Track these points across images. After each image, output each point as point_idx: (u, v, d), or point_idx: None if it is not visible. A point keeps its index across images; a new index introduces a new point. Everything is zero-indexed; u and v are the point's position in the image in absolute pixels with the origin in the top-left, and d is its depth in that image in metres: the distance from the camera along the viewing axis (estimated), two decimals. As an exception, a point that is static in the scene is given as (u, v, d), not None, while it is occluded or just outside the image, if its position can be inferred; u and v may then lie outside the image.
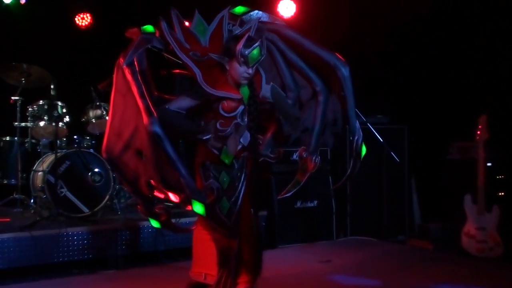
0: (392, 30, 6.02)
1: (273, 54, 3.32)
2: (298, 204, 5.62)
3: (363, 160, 5.83)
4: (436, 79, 5.98)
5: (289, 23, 5.52)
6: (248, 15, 3.27)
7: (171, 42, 3.09)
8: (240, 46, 3.06)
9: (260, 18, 3.27)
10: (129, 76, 2.94)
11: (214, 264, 3.30)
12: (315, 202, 5.69)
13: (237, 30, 3.21)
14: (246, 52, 3.05)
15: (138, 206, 3.10)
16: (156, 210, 3.07)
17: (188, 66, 3.09)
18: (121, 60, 2.99)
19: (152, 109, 2.88)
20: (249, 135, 3.24)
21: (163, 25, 3.10)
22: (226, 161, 3.21)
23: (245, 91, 3.20)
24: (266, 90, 3.29)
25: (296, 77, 3.37)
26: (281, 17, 6.28)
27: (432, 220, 5.92)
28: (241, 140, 3.24)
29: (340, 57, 3.26)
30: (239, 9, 3.27)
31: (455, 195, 5.25)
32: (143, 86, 2.94)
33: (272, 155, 3.38)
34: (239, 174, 3.26)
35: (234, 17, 3.26)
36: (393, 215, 5.98)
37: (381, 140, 5.60)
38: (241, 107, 3.18)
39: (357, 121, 3.33)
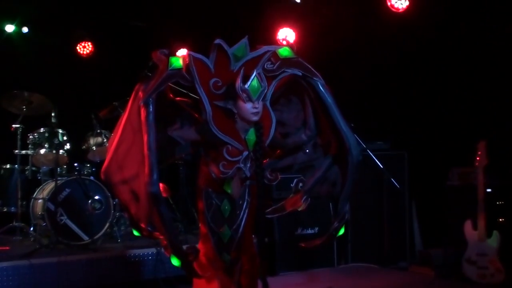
0: (392, 56, 6.08)
1: (303, 95, 3.27)
2: (299, 231, 5.60)
3: (364, 187, 5.91)
4: (436, 105, 6.01)
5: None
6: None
7: (193, 74, 3.02)
8: (238, 82, 3.03)
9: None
10: (143, 117, 2.93)
11: None
12: (316, 228, 5.67)
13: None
14: (246, 86, 3.01)
15: (163, 242, 3.04)
16: (144, 232, 3.07)
17: (202, 102, 3.05)
18: (140, 93, 2.96)
19: (156, 167, 2.88)
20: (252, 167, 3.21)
21: (190, 56, 3.03)
22: (229, 191, 3.18)
23: (251, 137, 3.15)
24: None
25: (321, 126, 3.32)
26: (281, 44, 6.36)
27: (433, 246, 5.89)
28: (245, 171, 3.20)
29: (358, 142, 3.33)
30: (284, 52, 3.18)
31: (456, 221, 5.23)
32: (153, 134, 2.91)
33: (269, 177, 3.28)
34: (241, 202, 3.23)
35: (276, 57, 3.17)
36: (394, 242, 5.95)
37: (381, 166, 5.60)
38: (245, 153, 3.12)
39: (347, 205, 3.34)
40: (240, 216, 3.22)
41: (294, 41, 6.43)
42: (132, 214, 3.07)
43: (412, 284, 5.14)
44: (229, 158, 3.08)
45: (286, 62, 3.16)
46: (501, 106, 5.43)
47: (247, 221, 3.25)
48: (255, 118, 3.09)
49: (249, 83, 3.01)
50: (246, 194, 3.24)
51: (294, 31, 6.45)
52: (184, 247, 3.05)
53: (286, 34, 6.45)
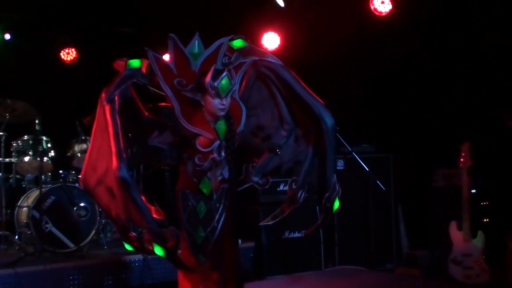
0: (376, 60, 6.12)
1: (270, 87, 3.37)
2: (286, 235, 5.61)
3: (349, 190, 5.93)
4: (420, 108, 6.06)
5: (274, 55, 5.60)
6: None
7: (156, 72, 3.13)
8: (208, 79, 3.08)
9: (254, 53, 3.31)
10: (108, 114, 3.02)
11: None
12: (303, 232, 5.68)
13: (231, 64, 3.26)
14: (215, 83, 3.08)
15: (145, 235, 3.07)
16: (130, 238, 3.07)
17: (169, 98, 3.14)
18: (103, 94, 3.06)
19: (124, 153, 2.95)
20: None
21: (150, 55, 3.13)
22: (205, 191, 3.24)
23: (221, 126, 3.20)
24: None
25: (295, 112, 3.40)
26: (265, 50, 6.37)
27: (419, 248, 5.93)
28: (223, 172, 3.26)
29: (327, 108, 3.28)
30: (238, 43, 3.29)
31: (441, 222, 5.28)
32: (119, 127, 3.00)
33: (260, 182, 3.40)
34: (217, 205, 3.27)
35: (231, 50, 3.28)
36: (380, 244, 5.98)
37: (367, 169, 5.64)
38: (217, 142, 3.17)
39: (334, 176, 3.30)
40: (216, 219, 3.25)
41: (279, 45, 6.45)
42: (115, 219, 3.07)
43: (399, 286, 5.17)
44: (202, 149, 3.14)
45: (241, 52, 3.28)
46: (484, 108, 5.48)
47: (224, 224, 3.27)
48: (221, 114, 3.17)
49: (218, 81, 3.08)
50: (223, 197, 3.28)
51: (278, 35, 6.46)
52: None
53: (271, 39, 6.46)
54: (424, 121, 6.05)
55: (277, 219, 3.47)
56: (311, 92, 3.30)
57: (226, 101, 3.15)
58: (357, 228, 6.01)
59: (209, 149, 3.14)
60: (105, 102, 3.04)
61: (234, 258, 3.37)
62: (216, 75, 3.09)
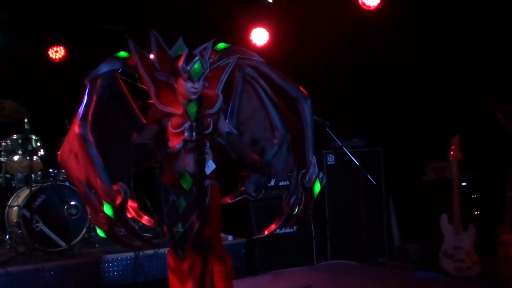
0: (365, 54, 6.13)
1: (258, 92, 3.46)
2: (277, 230, 5.58)
3: (340, 184, 5.94)
4: (410, 102, 6.07)
5: (262, 51, 5.64)
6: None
7: (136, 59, 3.28)
8: (181, 62, 3.18)
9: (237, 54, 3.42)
10: (86, 90, 3.23)
11: None
12: (294, 227, 5.69)
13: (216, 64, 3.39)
14: (188, 67, 3.17)
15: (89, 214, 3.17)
16: (100, 219, 3.12)
17: (146, 82, 3.27)
18: (86, 82, 3.27)
19: (88, 115, 3.13)
20: (212, 163, 3.32)
21: (130, 43, 3.31)
22: (185, 186, 3.28)
23: (192, 108, 3.27)
24: (224, 125, 3.41)
25: (282, 112, 3.45)
26: (254, 45, 6.36)
27: (411, 241, 5.96)
28: (206, 168, 3.29)
29: (303, 90, 3.34)
30: (221, 45, 3.44)
31: (432, 216, 5.30)
32: (93, 100, 3.19)
33: (254, 194, 3.43)
34: (198, 200, 3.28)
35: (215, 52, 3.42)
36: (372, 238, 6.00)
37: (357, 163, 5.66)
38: (188, 123, 3.25)
39: (314, 157, 3.30)
40: (195, 215, 3.26)
41: (268, 41, 6.43)
42: (78, 186, 3.16)
43: (391, 279, 5.19)
44: (174, 131, 3.25)
45: (224, 52, 3.42)
46: (474, 100, 5.50)
47: (204, 221, 3.26)
48: (193, 97, 3.25)
49: (191, 65, 3.17)
50: (205, 194, 3.29)
51: (267, 31, 6.45)
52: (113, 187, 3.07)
53: (259, 35, 6.44)
54: (414, 114, 6.07)
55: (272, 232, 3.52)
56: (289, 80, 3.38)
57: (198, 85, 3.23)
58: (349, 222, 6.03)
59: (180, 129, 3.23)
60: (86, 81, 3.24)
61: (223, 256, 3.41)
62: (189, 59, 3.18)
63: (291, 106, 3.36)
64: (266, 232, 3.54)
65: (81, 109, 3.18)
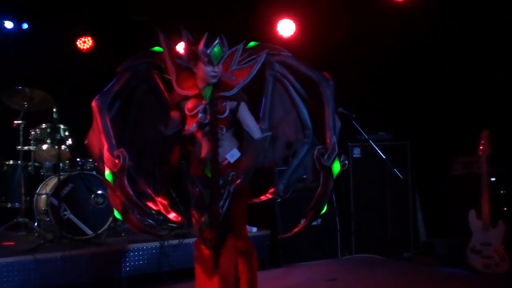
0: (393, 46, 6.06)
1: (289, 90, 3.42)
2: (302, 222, 5.57)
3: (366, 178, 5.89)
4: (439, 95, 5.99)
5: (289, 42, 5.60)
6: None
7: (164, 48, 3.39)
8: (201, 46, 3.19)
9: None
10: (117, 77, 3.37)
11: (215, 284, 3.30)
12: (319, 220, 5.66)
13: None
14: (208, 51, 3.17)
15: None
16: (116, 199, 3.21)
17: (169, 70, 3.36)
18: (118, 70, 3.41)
19: (109, 93, 3.29)
20: (236, 152, 3.31)
21: (161, 36, 3.39)
22: (209, 175, 3.27)
23: (207, 92, 3.28)
24: (251, 124, 3.34)
25: (309, 105, 3.42)
26: (281, 37, 6.32)
27: (437, 236, 5.89)
28: (227, 156, 3.29)
29: (326, 74, 3.31)
30: (251, 44, 3.45)
31: (460, 211, 5.23)
32: (120, 84, 3.34)
33: (281, 194, 3.35)
34: (222, 191, 3.26)
35: (245, 51, 3.42)
36: (397, 232, 5.95)
37: (384, 157, 5.60)
38: (202, 106, 3.26)
39: (334, 137, 3.22)
40: (221, 205, 3.24)
41: (295, 32, 6.38)
42: (101, 167, 3.25)
43: (417, 274, 5.14)
44: (189, 113, 3.29)
45: (254, 50, 3.42)
46: (504, 94, 5.41)
47: (227, 210, 3.25)
48: (213, 81, 3.27)
49: (211, 48, 3.18)
50: (228, 185, 3.27)
51: (294, 22, 6.40)
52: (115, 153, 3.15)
53: (286, 26, 6.40)
54: (442, 108, 5.98)
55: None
56: (313, 68, 3.35)
57: (218, 68, 3.24)
58: (374, 216, 5.99)
59: (195, 112, 3.26)
60: (118, 69, 3.38)
61: (249, 249, 3.41)
62: (209, 42, 3.19)
63: (314, 92, 3.32)
64: (295, 230, 3.47)
65: (106, 87, 3.33)
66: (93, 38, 7.29)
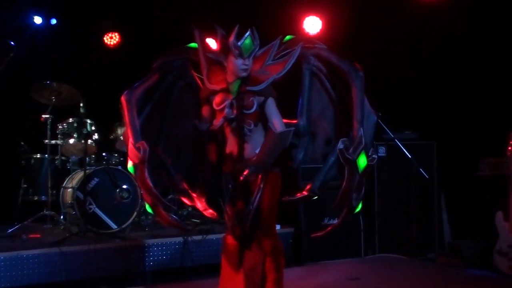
0: (421, 45, 5.99)
1: (325, 84, 3.37)
2: (326, 221, 5.57)
3: (391, 177, 5.83)
4: (467, 94, 5.90)
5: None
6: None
7: (198, 44, 3.37)
8: (232, 38, 3.15)
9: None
10: (151, 72, 3.39)
11: (240, 280, 3.30)
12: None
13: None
14: (239, 43, 3.14)
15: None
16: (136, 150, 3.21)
17: (201, 65, 3.34)
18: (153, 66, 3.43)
19: (139, 88, 3.31)
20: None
21: (195, 30, 3.37)
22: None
23: (235, 85, 3.24)
24: (277, 121, 3.25)
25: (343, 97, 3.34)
26: (307, 34, 6.29)
27: (463, 238, 5.81)
28: (258, 151, 3.23)
29: (356, 64, 3.23)
30: (287, 38, 3.40)
31: (486, 212, 5.15)
32: (150, 80, 3.36)
33: (317, 192, 3.25)
34: (253, 186, 3.24)
35: (281, 45, 3.36)
36: (422, 233, 5.89)
37: (410, 156, 5.55)
38: (229, 100, 3.23)
39: (362, 130, 3.10)
40: (252, 201, 3.21)
41: (321, 29, 6.34)
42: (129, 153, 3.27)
43: (441, 276, 5.09)
44: (217, 108, 3.27)
45: (290, 43, 3.36)
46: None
47: (258, 206, 3.22)
48: (244, 74, 3.22)
49: (242, 41, 3.15)
50: (259, 180, 3.23)
51: (320, 19, 6.37)
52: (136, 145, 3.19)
53: (312, 23, 6.37)
54: (470, 107, 5.89)
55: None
56: (344, 59, 3.28)
57: (249, 62, 3.20)
58: (398, 216, 5.94)
59: (222, 106, 3.23)
60: (153, 65, 3.40)
61: (277, 247, 3.35)
62: (239, 35, 3.16)
63: (345, 84, 3.23)
64: (328, 229, 3.44)
65: (136, 83, 3.34)
66: (120, 34, 7.34)
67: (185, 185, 3.41)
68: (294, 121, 3.32)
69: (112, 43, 7.34)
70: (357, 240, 5.75)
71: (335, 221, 5.46)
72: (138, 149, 3.15)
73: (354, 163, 3.10)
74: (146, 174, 3.18)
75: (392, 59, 6.08)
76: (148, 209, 3.36)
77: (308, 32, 6.33)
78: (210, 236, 5.01)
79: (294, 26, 6.33)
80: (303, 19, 6.37)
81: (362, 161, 3.12)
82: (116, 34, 7.34)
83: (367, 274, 4.99)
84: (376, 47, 6.00)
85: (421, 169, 5.51)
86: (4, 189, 5.95)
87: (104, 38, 7.33)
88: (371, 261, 5.61)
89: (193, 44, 3.43)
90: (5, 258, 4.35)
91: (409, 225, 5.89)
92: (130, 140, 3.20)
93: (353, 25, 6.05)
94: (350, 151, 3.08)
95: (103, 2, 6.93)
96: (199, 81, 3.48)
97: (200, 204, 3.36)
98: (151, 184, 3.21)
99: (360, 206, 3.27)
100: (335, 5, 6.28)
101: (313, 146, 3.37)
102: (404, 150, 5.55)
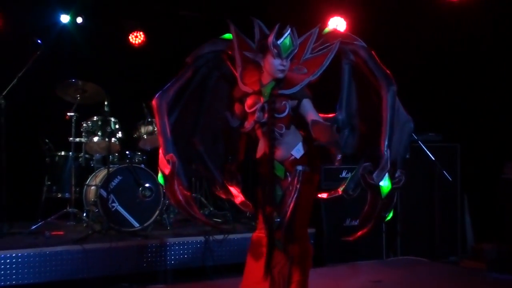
0: (445, 47, 5.93)
1: (363, 78, 3.21)
2: (347, 222, 5.54)
3: (414, 179, 5.78)
4: (491, 97, 5.83)
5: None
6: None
7: (234, 41, 3.29)
8: (271, 37, 3.07)
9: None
10: (185, 67, 3.32)
11: (266, 281, 3.24)
12: (364, 220, 5.59)
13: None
14: (278, 42, 3.05)
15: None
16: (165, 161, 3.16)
17: (236, 63, 3.27)
18: (187, 60, 3.34)
19: (171, 89, 3.24)
20: (301, 147, 3.19)
21: (232, 27, 3.31)
22: (278, 173, 3.18)
23: (268, 88, 3.16)
24: (300, 106, 3.17)
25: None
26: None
27: (486, 241, 5.74)
28: (293, 152, 3.18)
29: (390, 75, 3.10)
30: (326, 30, 3.30)
31: (510, 216, 5.09)
32: (184, 77, 3.29)
33: (351, 193, 3.10)
34: (291, 188, 3.16)
35: (319, 37, 3.25)
36: (445, 235, 5.83)
37: (433, 158, 5.50)
38: (260, 104, 3.15)
39: (388, 151, 2.92)
40: (289, 203, 3.15)
41: (345, 30, 6.32)
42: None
43: (464, 279, 5.03)
44: (248, 110, 3.19)
45: (328, 36, 3.25)
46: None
47: (294, 208, 3.14)
48: (280, 75, 3.13)
49: (282, 39, 3.06)
50: (296, 181, 3.16)
51: (345, 20, 6.34)
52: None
53: (337, 23, 6.34)
54: (494, 109, 5.82)
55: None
56: (381, 65, 3.15)
57: (287, 62, 3.11)
58: (421, 218, 5.89)
59: (253, 109, 3.16)
60: (187, 59, 3.32)
61: (306, 249, 3.28)
62: (279, 34, 3.08)
63: (375, 92, 3.10)
64: (358, 234, 3.31)
65: (168, 83, 3.27)
66: (145, 33, 7.39)
67: (221, 177, 3.39)
68: (331, 115, 3.20)
69: (137, 42, 7.40)
70: (379, 242, 5.71)
71: (357, 222, 5.51)
72: (168, 161, 3.12)
73: (377, 188, 2.97)
74: (176, 186, 3.14)
75: (417, 61, 6.03)
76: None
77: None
78: (231, 236, 5.02)
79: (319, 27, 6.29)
80: (328, 19, 6.35)
81: (386, 185, 2.98)
82: (141, 33, 7.39)
83: (389, 276, 4.96)
84: (400, 48, 5.95)
85: (444, 172, 5.45)
86: (28, 186, 6.03)
87: (129, 37, 7.38)
88: (393, 263, 5.57)
89: (227, 35, 3.35)
90: (28, 254, 4.40)
91: (432, 227, 5.84)
92: (161, 150, 3.16)
93: (377, 26, 6.00)
94: (374, 175, 2.94)
95: (128, 1, 6.99)
96: (235, 72, 3.35)
97: (236, 197, 3.30)
98: (180, 197, 3.17)
99: (391, 215, 3.15)
100: (360, 6, 6.25)
101: (353, 138, 3.24)
102: (428, 152, 5.49)
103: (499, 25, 5.59)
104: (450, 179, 5.50)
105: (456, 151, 5.95)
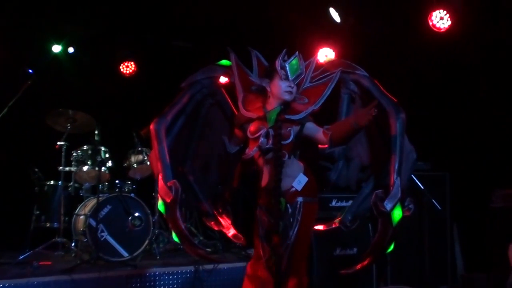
0: (433, 76, 6.00)
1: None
2: (338, 251, 5.53)
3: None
4: (479, 126, 5.89)
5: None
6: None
7: (233, 69, 3.31)
8: (279, 59, 3.11)
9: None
10: (181, 92, 3.31)
11: None
12: (355, 249, 5.59)
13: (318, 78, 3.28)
14: (286, 63, 3.08)
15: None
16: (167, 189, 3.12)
17: (237, 90, 3.27)
18: (182, 86, 3.36)
19: (168, 114, 3.22)
20: (303, 178, 3.17)
21: (232, 55, 3.34)
22: (282, 205, 3.13)
23: (272, 115, 3.16)
24: (302, 131, 3.20)
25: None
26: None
27: (476, 270, 5.74)
28: (294, 184, 3.16)
29: (397, 103, 3.14)
30: (325, 59, 3.35)
31: (500, 245, 5.09)
32: (181, 103, 3.28)
33: (348, 224, 3.18)
34: (291, 220, 3.13)
35: (319, 66, 3.31)
36: (434, 265, 5.82)
37: (422, 187, 5.52)
38: (264, 129, 3.14)
39: (399, 179, 2.94)
40: (290, 235, 3.12)
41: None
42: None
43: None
44: (251, 136, 3.17)
45: (329, 65, 3.29)
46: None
47: (296, 240, 3.13)
48: (287, 98, 3.14)
49: (289, 61, 3.09)
50: (297, 213, 3.14)
51: (334, 51, 6.42)
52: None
53: (326, 54, 6.41)
54: (483, 139, 5.88)
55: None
56: (387, 94, 3.18)
57: (294, 85, 3.12)
58: (411, 247, 5.87)
59: (257, 135, 3.14)
60: (182, 85, 3.33)
61: (302, 278, 3.25)
62: (286, 56, 3.11)
63: (383, 121, 3.12)
64: (358, 267, 3.38)
65: (166, 108, 3.25)
66: (136, 63, 7.44)
67: (212, 208, 3.35)
68: (326, 146, 3.20)
69: (128, 71, 7.44)
70: (368, 271, 5.68)
71: (348, 251, 5.51)
72: (170, 188, 3.07)
73: (388, 216, 2.97)
74: (178, 214, 3.09)
75: (405, 90, 6.08)
76: (175, 238, 3.27)
77: (321, 64, 6.36)
78: (221, 265, 4.99)
79: (307, 57, 6.36)
80: (317, 50, 6.42)
81: (397, 213, 2.98)
82: (132, 63, 7.45)
83: (378, 306, 4.93)
84: (389, 78, 6.00)
85: (433, 201, 5.47)
86: (17, 216, 5.98)
87: (120, 67, 7.44)
88: (383, 293, 5.55)
89: (222, 62, 3.39)
90: (16, 285, 4.35)
91: (422, 257, 5.82)
92: (161, 177, 3.10)
93: (366, 57, 6.08)
94: (385, 202, 2.95)
95: (120, 31, 7.05)
96: (228, 99, 3.40)
97: (227, 229, 3.29)
98: (182, 226, 3.14)
99: (392, 247, 3.14)
100: (349, 38, 6.33)
101: (347, 170, 3.28)
102: (417, 181, 5.51)
103: (486, 54, 5.67)
104: (440, 208, 5.51)
105: (445, 180, 5.97)
